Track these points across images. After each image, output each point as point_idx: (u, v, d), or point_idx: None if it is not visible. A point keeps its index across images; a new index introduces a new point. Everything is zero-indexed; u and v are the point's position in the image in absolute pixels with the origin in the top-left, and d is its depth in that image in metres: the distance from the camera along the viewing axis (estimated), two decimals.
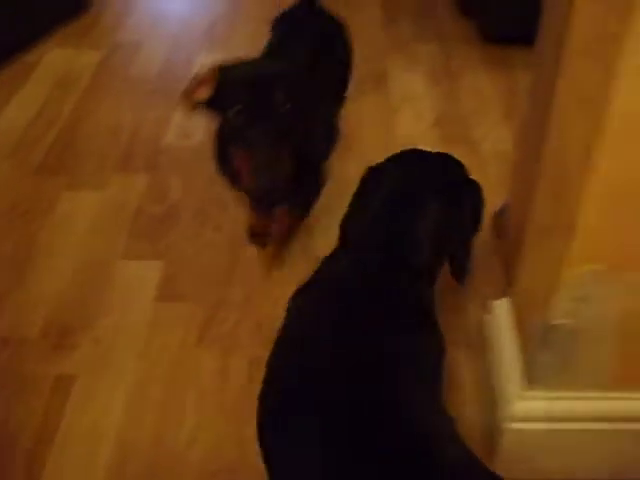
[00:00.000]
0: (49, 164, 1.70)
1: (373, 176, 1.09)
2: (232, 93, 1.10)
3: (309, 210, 1.44)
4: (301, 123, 1.13)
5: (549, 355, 0.96)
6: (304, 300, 0.97)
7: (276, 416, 0.84)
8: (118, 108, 1.90)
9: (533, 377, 1.00)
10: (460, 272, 1.05)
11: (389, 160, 1.12)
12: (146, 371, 1.25)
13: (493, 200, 1.35)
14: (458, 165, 1.13)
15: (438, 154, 1.13)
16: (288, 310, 0.99)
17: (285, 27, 1.58)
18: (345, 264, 1.00)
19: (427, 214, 1.00)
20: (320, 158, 1.38)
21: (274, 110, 1.09)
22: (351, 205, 1.09)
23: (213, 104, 1.15)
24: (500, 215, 1.44)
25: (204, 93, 1.15)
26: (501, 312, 1.13)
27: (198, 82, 1.15)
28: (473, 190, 1.09)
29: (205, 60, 2.09)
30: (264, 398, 0.89)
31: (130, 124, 1.84)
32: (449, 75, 2.07)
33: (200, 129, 1.78)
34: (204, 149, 1.48)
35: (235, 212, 1.54)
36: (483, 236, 1.28)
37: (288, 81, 1.11)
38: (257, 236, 1.47)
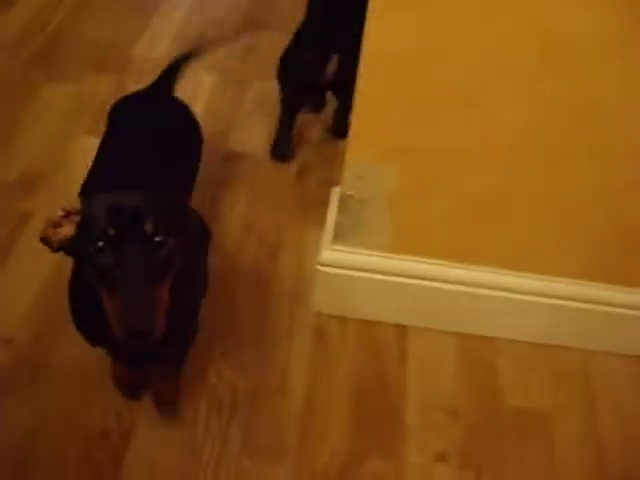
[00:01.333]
0: (37, 59, 2.14)
1: None
2: (94, 229, 0.95)
3: (183, 364, 1.35)
4: (177, 258, 0.99)
5: (344, 218, 1.41)
6: None
7: None
8: (101, 20, 2.33)
9: (336, 235, 1.45)
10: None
11: None
12: None
13: None
14: None
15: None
16: None
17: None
18: None
19: None
20: (197, 301, 1.23)
21: (145, 242, 0.94)
22: None
23: (76, 246, 0.98)
24: None
25: (64, 232, 0.98)
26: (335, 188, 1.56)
27: (54, 222, 0.99)
28: None
29: None
30: None
31: (108, 35, 2.27)
32: None
33: (164, 47, 2.22)
34: (165, 58, 1.93)
35: None
36: None
37: (158, 210, 0.97)
38: (129, 388, 1.41)
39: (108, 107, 1.88)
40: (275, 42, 2.28)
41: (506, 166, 1.30)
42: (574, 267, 1.43)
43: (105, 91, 2.06)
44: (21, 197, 1.74)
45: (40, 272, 1.59)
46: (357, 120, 1.27)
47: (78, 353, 1.38)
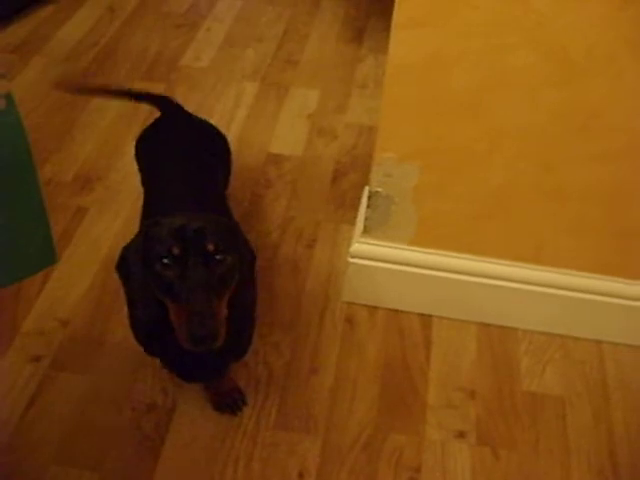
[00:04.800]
0: (91, 70, 2.31)
1: None
2: (161, 248, 1.07)
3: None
4: (234, 274, 1.12)
5: (373, 213, 1.53)
6: None
7: None
8: (149, 34, 2.49)
9: (365, 229, 1.57)
10: None
11: None
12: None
13: None
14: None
15: None
16: None
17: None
18: None
19: None
20: (251, 313, 1.34)
21: (207, 260, 1.07)
22: None
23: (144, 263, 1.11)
24: None
25: None
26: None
27: None
28: None
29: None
30: None
31: (157, 47, 2.43)
32: None
33: (208, 58, 2.38)
34: (210, 68, 2.23)
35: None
36: None
37: (218, 232, 1.10)
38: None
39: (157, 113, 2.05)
40: (311, 53, 2.45)
41: (511, 167, 1.40)
42: (585, 261, 1.53)
43: None
44: (77, 193, 1.90)
45: (94, 261, 1.74)
46: (383, 124, 1.39)
47: (128, 334, 1.50)
